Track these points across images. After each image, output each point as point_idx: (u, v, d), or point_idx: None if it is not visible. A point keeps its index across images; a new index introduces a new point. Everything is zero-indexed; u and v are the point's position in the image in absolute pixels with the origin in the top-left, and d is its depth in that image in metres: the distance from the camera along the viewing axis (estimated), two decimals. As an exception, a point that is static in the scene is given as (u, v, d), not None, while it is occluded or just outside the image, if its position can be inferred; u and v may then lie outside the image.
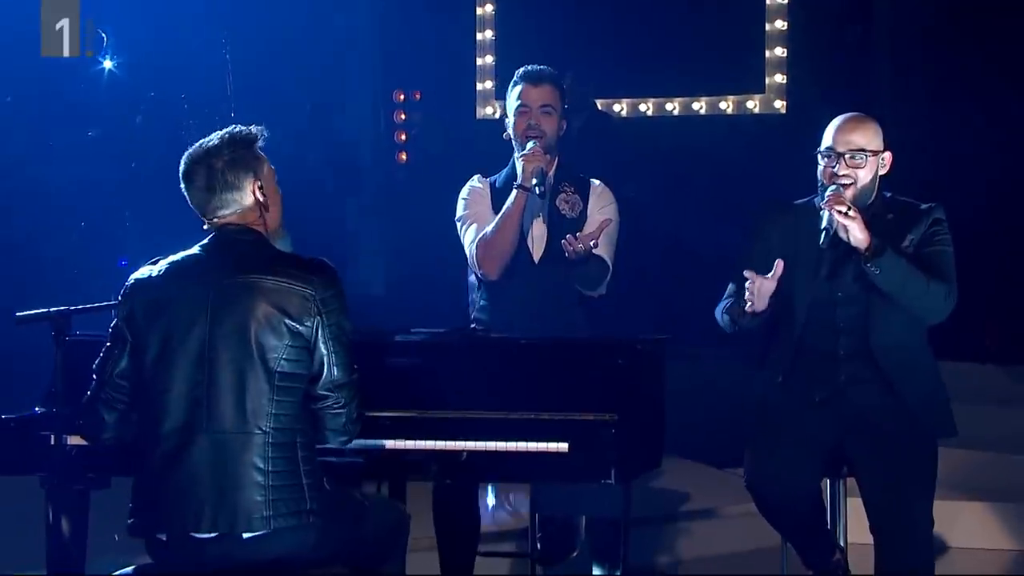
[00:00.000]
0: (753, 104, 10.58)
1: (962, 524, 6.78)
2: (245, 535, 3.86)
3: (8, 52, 8.22)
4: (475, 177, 5.59)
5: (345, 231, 10.38)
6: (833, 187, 4.79)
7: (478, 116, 11.09)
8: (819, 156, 4.91)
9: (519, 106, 5.41)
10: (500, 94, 11.14)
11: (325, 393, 3.98)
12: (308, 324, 3.93)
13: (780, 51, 10.52)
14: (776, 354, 4.96)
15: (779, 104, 10.54)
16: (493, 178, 5.54)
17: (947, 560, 6.58)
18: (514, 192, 5.32)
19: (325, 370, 3.97)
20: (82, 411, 4.14)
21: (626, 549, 4.44)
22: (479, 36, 11.08)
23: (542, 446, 4.31)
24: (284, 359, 3.91)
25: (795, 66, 10.48)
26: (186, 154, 4.06)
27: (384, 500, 4.53)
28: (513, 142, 5.45)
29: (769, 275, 4.75)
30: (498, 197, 5.46)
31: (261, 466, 3.88)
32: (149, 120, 9.53)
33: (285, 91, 10.47)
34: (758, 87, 10.55)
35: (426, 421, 4.45)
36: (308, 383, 3.97)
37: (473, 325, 5.45)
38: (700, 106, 10.65)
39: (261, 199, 4.04)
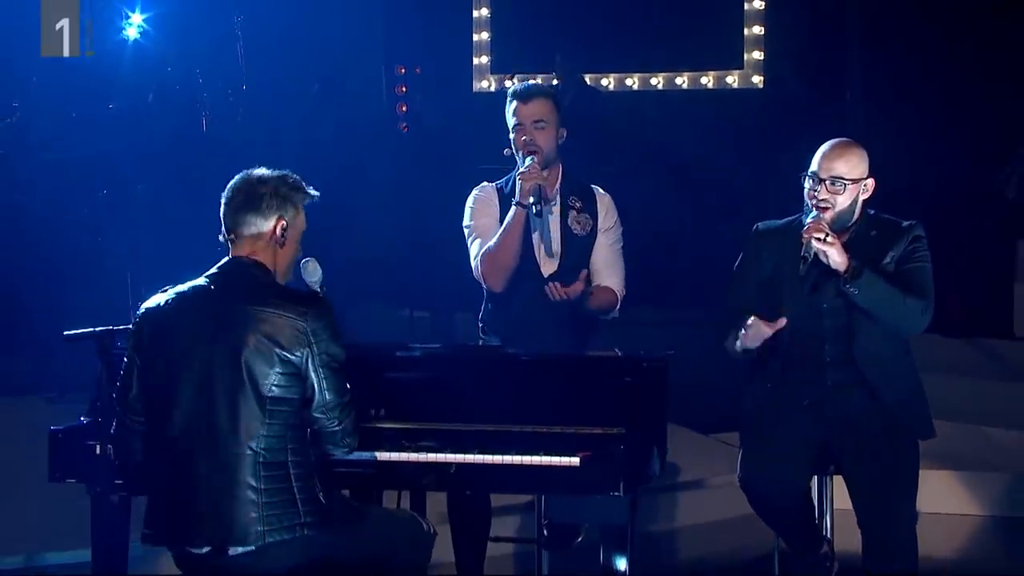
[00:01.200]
0: (732, 79, 10.55)
1: (930, 491, 6.79)
2: (240, 549, 3.90)
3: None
4: (482, 183, 5.49)
5: (352, 201, 10.29)
6: (814, 214, 4.79)
7: (474, 89, 11.03)
8: (805, 178, 4.89)
9: (515, 124, 5.33)
10: (495, 68, 11.14)
11: (319, 415, 4.01)
12: (299, 354, 3.95)
13: (758, 29, 10.50)
14: (764, 364, 4.96)
15: (757, 79, 10.53)
16: (500, 183, 5.46)
17: (917, 525, 6.63)
18: (513, 209, 5.26)
19: (317, 394, 3.99)
20: (113, 440, 4.21)
21: (632, 550, 4.44)
22: (475, 13, 11.06)
23: (555, 460, 4.29)
24: (275, 385, 3.93)
25: (772, 44, 10.46)
26: (237, 176, 4.11)
27: (405, 516, 4.50)
28: (515, 157, 5.39)
29: (769, 326, 4.77)
30: (506, 203, 5.36)
31: (254, 484, 3.90)
32: (163, 95, 9.43)
33: (293, 67, 10.39)
34: (737, 63, 10.52)
35: (439, 433, 4.44)
36: (302, 405, 3.99)
37: (481, 340, 5.41)
38: (683, 81, 10.62)
39: (278, 235, 4.08)
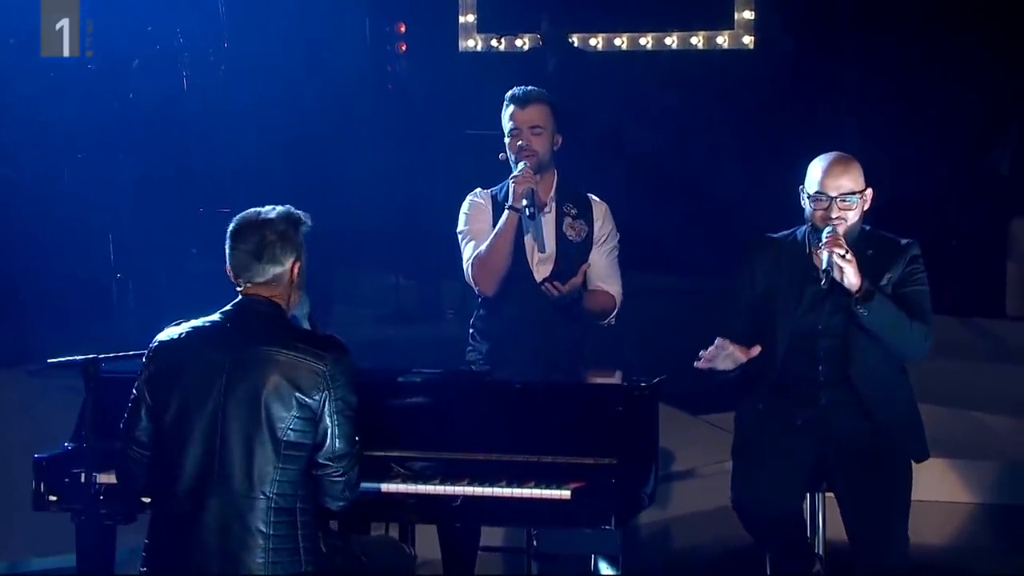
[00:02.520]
0: (723, 39, 10.41)
1: (920, 478, 6.73)
2: None
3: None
4: (476, 190, 5.43)
5: (336, 163, 10.18)
6: (829, 228, 4.70)
7: (460, 48, 10.90)
8: (805, 197, 4.80)
9: (511, 128, 5.27)
10: (481, 27, 10.99)
11: (326, 462, 3.94)
12: (316, 398, 3.89)
13: (748, -12, 10.35)
14: (757, 383, 4.90)
15: (747, 40, 10.39)
16: (494, 190, 5.40)
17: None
18: (505, 212, 5.20)
19: (328, 441, 3.92)
20: (117, 467, 4.17)
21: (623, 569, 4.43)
22: (461, -31, 10.89)
23: (545, 493, 4.25)
24: (291, 429, 3.88)
25: (763, 2, 10.32)
26: (240, 215, 4.04)
27: (385, 541, 4.49)
28: (510, 161, 5.32)
29: (743, 351, 4.70)
30: (500, 209, 5.30)
31: (264, 530, 3.86)
32: (145, 56, 9.28)
33: (276, 24, 10.20)
34: (727, 23, 10.39)
35: (427, 463, 4.40)
36: (311, 451, 3.93)
37: (471, 347, 5.37)
38: (672, 41, 10.49)
39: (296, 280, 4.05)
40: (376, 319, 9.71)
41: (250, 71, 9.62)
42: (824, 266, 4.65)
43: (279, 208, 4.04)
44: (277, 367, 3.89)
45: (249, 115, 9.43)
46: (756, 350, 4.72)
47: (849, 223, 4.74)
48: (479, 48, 10.87)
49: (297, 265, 4.03)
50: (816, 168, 4.79)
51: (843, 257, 4.61)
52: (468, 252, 5.31)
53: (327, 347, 3.96)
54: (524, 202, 5.15)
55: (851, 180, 4.75)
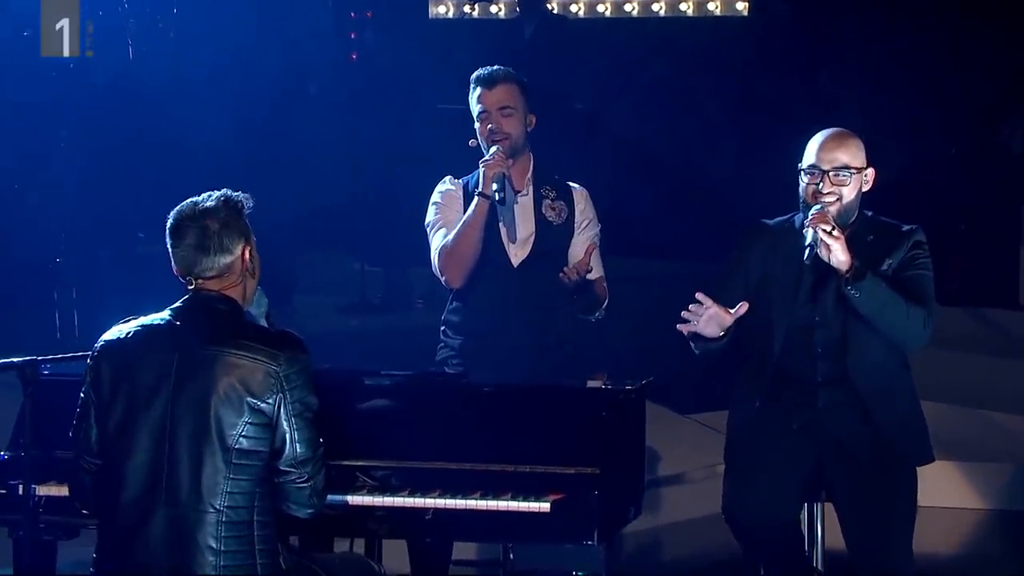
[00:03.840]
0: (714, 5, 10.42)
1: (928, 483, 6.76)
2: None
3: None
4: (447, 178, 5.45)
5: (297, 140, 10.16)
6: (818, 206, 4.74)
7: (431, 15, 10.89)
8: (801, 173, 4.84)
9: (479, 112, 5.30)
10: (453, -9, 10.99)
11: (288, 469, 3.94)
12: (270, 401, 3.88)
13: (743, -50, 10.35)
14: (752, 380, 4.93)
15: (741, 6, 10.39)
16: (466, 179, 5.42)
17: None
18: (475, 199, 5.21)
19: (288, 447, 3.92)
20: (70, 480, 4.17)
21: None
22: (432, -72, 10.87)
23: (523, 505, 4.27)
24: (243, 436, 3.87)
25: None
26: (176, 210, 4.02)
27: (351, 558, 4.49)
28: (481, 147, 5.33)
29: (732, 310, 4.71)
30: (471, 198, 5.34)
31: (214, 546, 3.85)
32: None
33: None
34: (720, -13, 10.40)
35: (395, 473, 4.41)
36: (270, 458, 3.92)
37: (442, 343, 5.38)
38: (660, 7, 10.48)
39: (249, 267, 4.04)
40: (339, 310, 9.73)
41: (202, 39, 9.58)
42: (808, 241, 4.68)
43: (215, 194, 4.02)
44: (227, 369, 3.88)
45: (201, 87, 9.40)
46: (743, 308, 4.71)
47: (844, 201, 4.78)
48: (451, 15, 10.86)
49: (248, 249, 4.02)
50: (813, 142, 4.84)
51: (829, 233, 4.63)
52: (437, 242, 5.33)
53: (281, 345, 3.95)
54: (494, 186, 5.17)
55: (847, 154, 4.79)
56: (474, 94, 5.30)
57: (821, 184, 4.78)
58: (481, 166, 5.22)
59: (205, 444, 3.86)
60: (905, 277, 4.81)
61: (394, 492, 4.38)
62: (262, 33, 10.22)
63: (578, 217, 5.38)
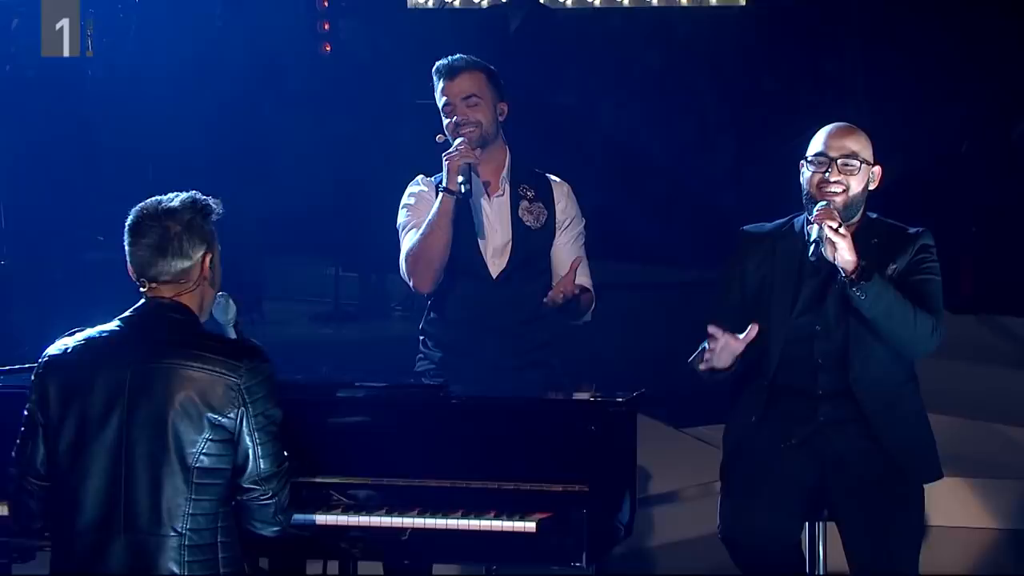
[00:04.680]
0: (711, -7, 10.44)
1: (939, 501, 6.82)
2: None
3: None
4: (419, 177, 5.41)
5: (267, 139, 10.16)
6: (824, 202, 4.75)
7: (409, 4, 10.90)
8: (805, 164, 4.84)
9: (443, 104, 5.26)
10: (433, -19, 10.99)
11: (251, 486, 3.92)
12: (231, 416, 3.86)
13: (741, -64, 10.36)
14: (749, 393, 4.94)
15: (739, -6, 10.42)
16: (438, 177, 5.41)
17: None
18: (439, 196, 5.17)
19: (251, 463, 3.90)
20: (10, 500, 4.11)
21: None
22: (411, -87, 10.87)
23: (507, 525, 4.25)
24: (204, 454, 3.85)
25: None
26: (138, 207, 3.99)
27: None
28: (449, 141, 5.32)
29: (741, 336, 4.72)
30: None
31: (176, 571, 3.83)
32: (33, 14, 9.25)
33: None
34: (716, -25, 10.41)
35: (371, 490, 4.40)
36: (232, 475, 3.90)
37: (422, 354, 5.38)
38: (652, -5, 10.51)
39: (208, 275, 4.01)
40: (312, 317, 9.72)
41: (164, 31, 9.59)
42: (813, 237, 4.69)
43: (182, 195, 4.00)
44: (184, 383, 3.85)
45: (164, 82, 9.40)
46: (752, 331, 4.70)
47: (851, 193, 4.78)
48: (430, 4, 10.86)
49: (208, 257, 3.99)
50: (820, 132, 4.86)
51: (835, 231, 4.63)
52: (405, 246, 5.31)
53: (241, 355, 3.92)
54: (460, 179, 5.12)
55: (856, 143, 4.81)
56: (437, 87, 5.27)
57: (828, 172, 4.78)
58: (444, 159, 5.17)
59: (164, 464, 3.83)
60: (912, 282, 4.81)
61: (370, 511, 4.36)
62: (228, 24, 10.24)
63: (559, 216, 5.35)
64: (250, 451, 3.89)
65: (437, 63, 5.30)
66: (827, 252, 4.68)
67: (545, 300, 5.08)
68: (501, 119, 5.32)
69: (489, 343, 5.24)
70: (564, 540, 4.24)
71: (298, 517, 4.26)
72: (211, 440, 3.85)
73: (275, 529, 4.01)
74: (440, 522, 4.31)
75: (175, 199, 4.00)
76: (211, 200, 4.04)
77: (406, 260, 5.28)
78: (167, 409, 3.84)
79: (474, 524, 4.30)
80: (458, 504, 4.34)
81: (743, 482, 4.92)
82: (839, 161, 4.78)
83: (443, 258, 5.21)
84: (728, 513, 4.91)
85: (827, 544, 5.09)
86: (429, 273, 5.23)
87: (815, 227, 4.69)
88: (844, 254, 4.66)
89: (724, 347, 4.70)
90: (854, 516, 4.84)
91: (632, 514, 4.60)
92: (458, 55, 5.32)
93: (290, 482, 4.00)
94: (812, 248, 4.72)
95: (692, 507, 6.86)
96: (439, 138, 5.33)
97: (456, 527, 4.30)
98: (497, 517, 4.29)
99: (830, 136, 4.83)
